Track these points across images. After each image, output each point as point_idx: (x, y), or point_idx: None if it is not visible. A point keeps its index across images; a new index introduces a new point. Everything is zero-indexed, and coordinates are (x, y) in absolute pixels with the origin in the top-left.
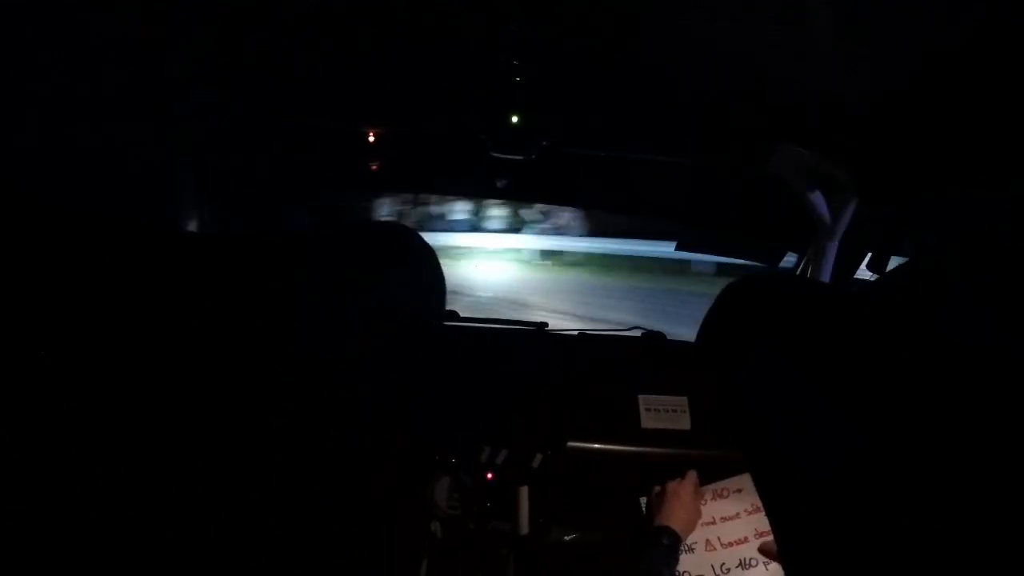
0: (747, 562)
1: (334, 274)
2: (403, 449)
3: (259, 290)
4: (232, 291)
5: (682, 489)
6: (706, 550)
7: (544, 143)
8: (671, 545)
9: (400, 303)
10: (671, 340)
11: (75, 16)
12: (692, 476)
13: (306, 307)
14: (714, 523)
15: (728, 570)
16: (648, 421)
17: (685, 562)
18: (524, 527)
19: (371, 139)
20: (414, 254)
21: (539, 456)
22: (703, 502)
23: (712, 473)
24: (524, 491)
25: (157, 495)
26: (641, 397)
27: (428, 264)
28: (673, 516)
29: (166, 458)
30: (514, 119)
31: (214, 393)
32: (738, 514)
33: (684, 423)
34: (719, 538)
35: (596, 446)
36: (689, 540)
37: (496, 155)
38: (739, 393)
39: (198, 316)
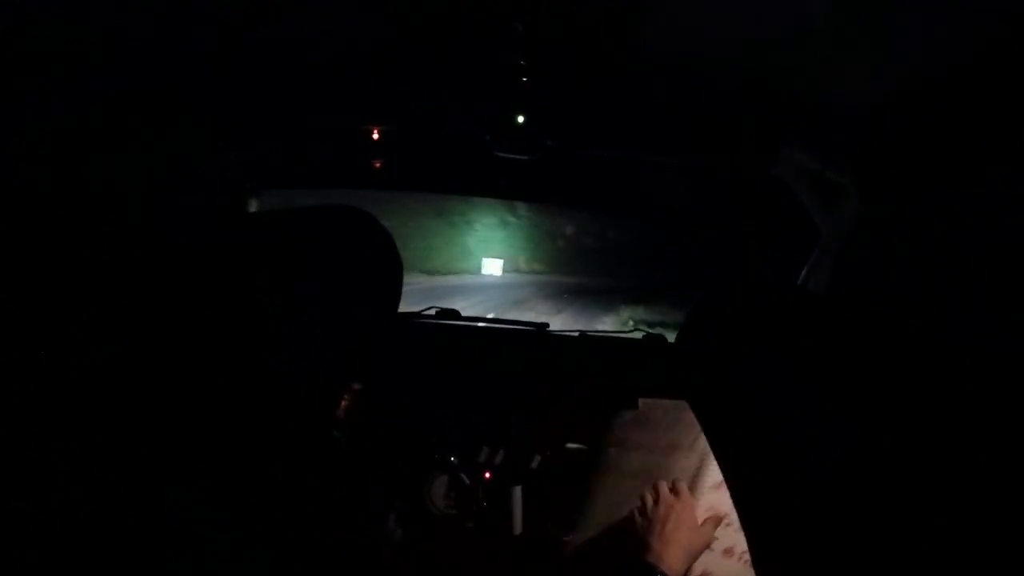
0: None
1: (278, 272)
2: (378, 449)
3: (215, 300)
4: (197, 300)
5: (686, 511)
6: None
7: (548, 143)
8: None
9: (352, 298)
10: (672, 343)
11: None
12: (686, 494)
13: (261, 311)
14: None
15: None
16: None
17: None
18: (518, 527)
19: (375, 137)
20: (364, 241)
21: (537, 457)
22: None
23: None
24: (518, 491)
25: (149, 495)
26: (641, 400)
27: (382, 252)
28: (669, 550)
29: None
30: (519, 119)
31: (199, 399)
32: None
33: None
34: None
35: (595, 448)
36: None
37: (500, 155)
38: (738, 393)
39: (175, 322)
